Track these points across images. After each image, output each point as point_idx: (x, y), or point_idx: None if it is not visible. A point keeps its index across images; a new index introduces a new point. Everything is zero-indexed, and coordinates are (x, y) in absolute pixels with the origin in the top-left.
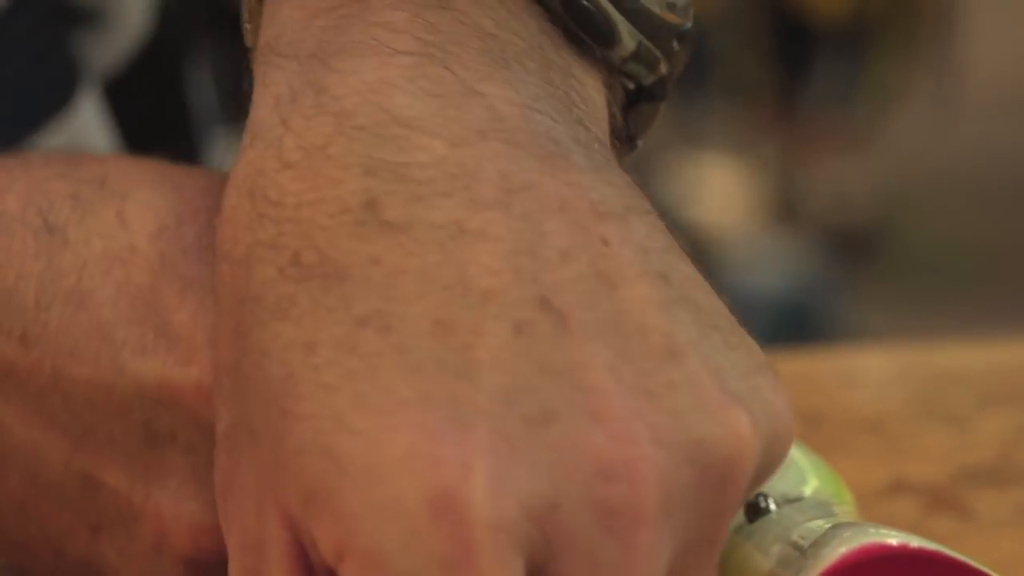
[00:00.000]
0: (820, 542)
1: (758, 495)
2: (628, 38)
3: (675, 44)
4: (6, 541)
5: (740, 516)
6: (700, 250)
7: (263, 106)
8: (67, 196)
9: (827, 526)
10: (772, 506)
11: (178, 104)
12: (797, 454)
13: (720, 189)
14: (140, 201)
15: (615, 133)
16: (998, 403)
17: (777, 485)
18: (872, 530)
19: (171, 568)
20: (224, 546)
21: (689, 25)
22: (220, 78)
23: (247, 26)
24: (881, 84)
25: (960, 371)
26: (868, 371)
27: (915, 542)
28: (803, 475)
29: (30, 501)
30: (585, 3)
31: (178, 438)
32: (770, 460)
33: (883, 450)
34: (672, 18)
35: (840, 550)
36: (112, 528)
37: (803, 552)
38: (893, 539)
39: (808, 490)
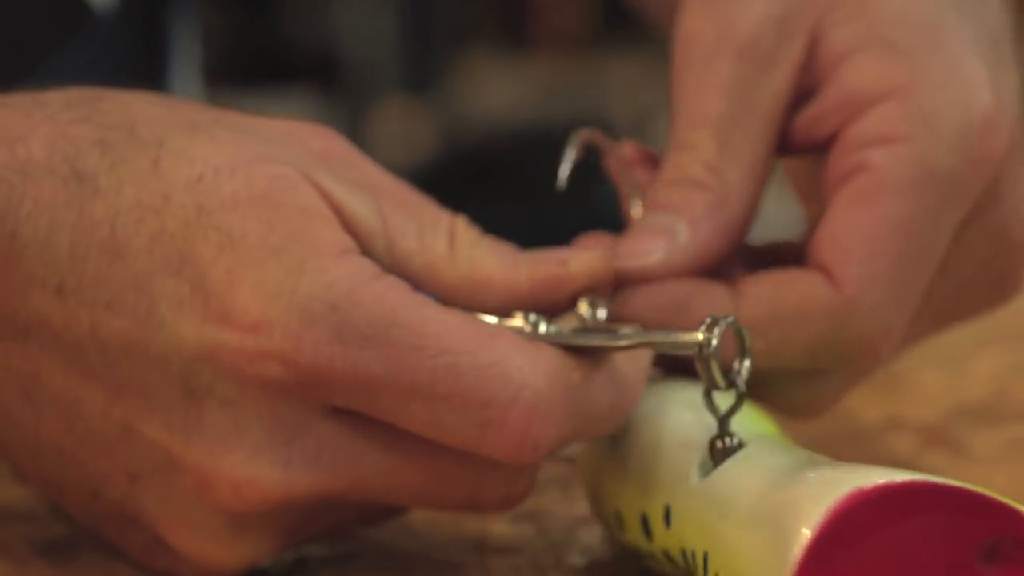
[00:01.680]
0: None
1: (727, 433)
2: None
3: None
4: (43, 480)
5: (698, 457)
6: None
7: None
8: (94, 142)
9: (827, 468)
10: (732, 442)
11: (159, 55)
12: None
13: None
14: (175, 150)
15: None
16: (992, 343)
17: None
18: (867, 471)
19: (213, 517)
20: (265, 498)
21: None
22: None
23: None
24: None
25: None
26: None
27: (899, 477)
28: (753, 418)
29: (68, 446)
30: None
31: (216, 392)
32: None
33: (879, 389)
34: None
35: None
36: (151, 476)
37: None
38: (880, 478)
39: (757, 428)
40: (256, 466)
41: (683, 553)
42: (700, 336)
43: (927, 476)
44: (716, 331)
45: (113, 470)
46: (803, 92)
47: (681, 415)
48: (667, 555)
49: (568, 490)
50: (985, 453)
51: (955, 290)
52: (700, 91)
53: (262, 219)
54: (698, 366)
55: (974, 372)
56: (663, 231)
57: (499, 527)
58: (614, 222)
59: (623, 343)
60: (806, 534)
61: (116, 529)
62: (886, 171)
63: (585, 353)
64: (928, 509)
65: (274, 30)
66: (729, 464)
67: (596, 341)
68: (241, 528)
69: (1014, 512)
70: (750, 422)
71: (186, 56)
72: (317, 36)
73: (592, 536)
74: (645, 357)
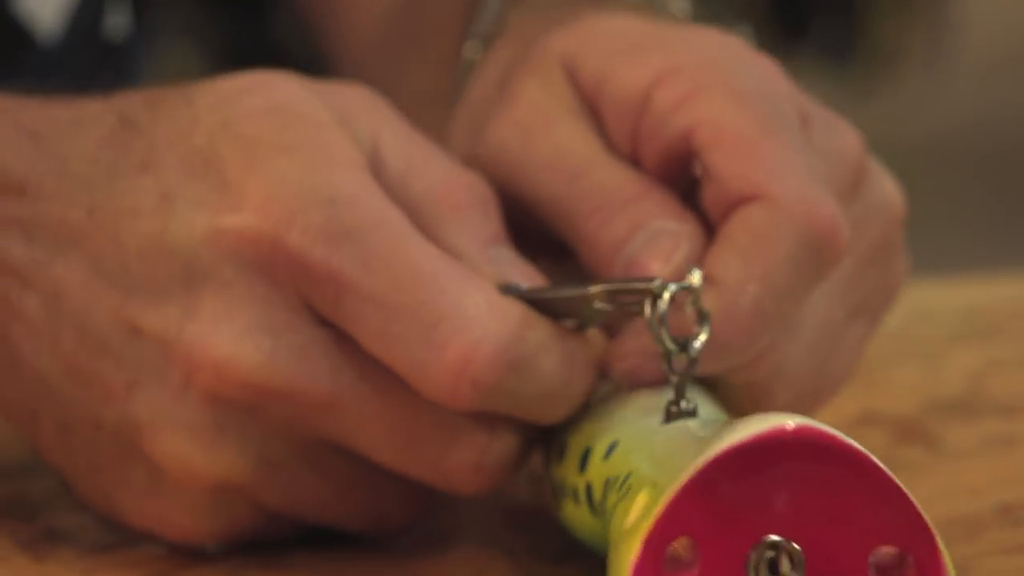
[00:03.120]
0: (729, 426)
1: (683, 396)
2: None
3: None
4: (53, 417)
5: (658, 416)
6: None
7: None
8: (144, 99)
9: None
10: (688, 407)
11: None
12: (705, 390)
13: None
14: (206, 86)
15: None
16: (968, 339)
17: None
18: (794, 416)
19: (195, 409)
20: (244, 382)
21: None
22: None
23: None
24: (876, 46)
25: (932, 308)
26: None
27: (844, 438)
28: (713, 404)
29: (78, 362)
30: None
31: (214, 276)
32: None
33: (855, 384)
34: None
35: (749, 430)
36: (146, 381)
37: (733, 424)
38: (813, 424)
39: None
40: (241, 347)
41: (606, 482)
42: (653, 284)
43: (868, 452)
44: (669, 286)
45: (116, 381)
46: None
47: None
48: (588, 488)
49: None
50: (960, 447)
51: (856, 269)
52: (584, 185)
53: (278, 124)
54: (648, 324)
55: (949, 367)
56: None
57: None
58: None
59: (579, 291)
60: (723, 446)
61: (115, 473)
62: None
63: (550, 311)
64: (843, 476)
65: (266, 36)
66: (687, 420)
67: (554, 293)
68: (221, 427)
69: (926, 529)
70: (708, 403)
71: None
72: (307, 41)
73: None
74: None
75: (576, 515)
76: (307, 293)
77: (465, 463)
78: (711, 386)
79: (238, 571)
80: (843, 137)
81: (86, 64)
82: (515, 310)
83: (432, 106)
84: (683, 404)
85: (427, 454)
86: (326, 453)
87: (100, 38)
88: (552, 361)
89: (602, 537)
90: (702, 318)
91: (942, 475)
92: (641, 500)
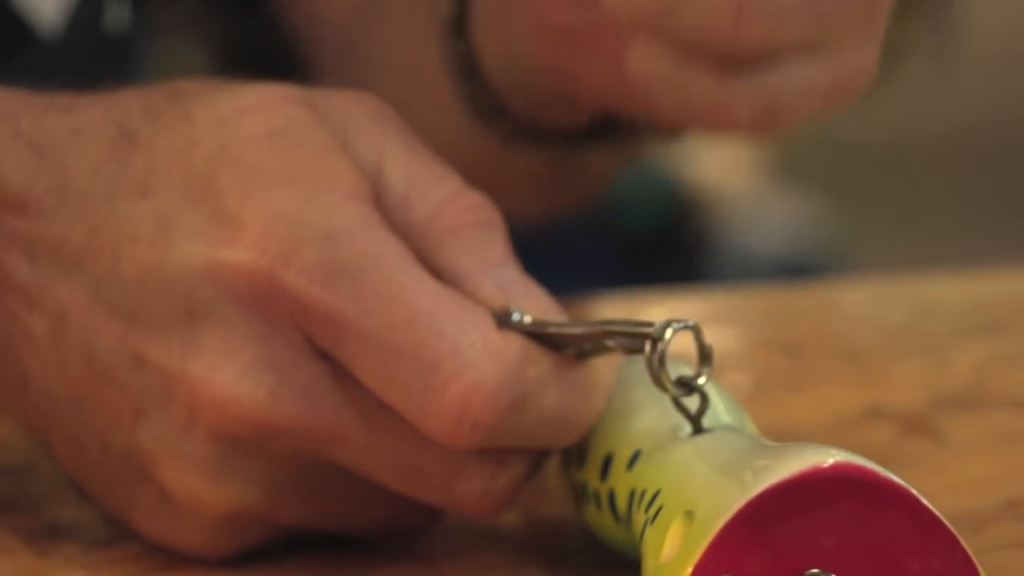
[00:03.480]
0: (774, 458)
1: (700, 431)
2: None
3: None
4: (63, 436)
5: (679, 420)
6: (701, 210)
7: None
8: (143, 107)
9: (776, 444)
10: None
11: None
12: (721, 394)
13: (719, 146)
14: (205, 101)
15: None
16: (974, 333)
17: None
18: (834, 450)
19: (200, 445)
20: (248, 419)
21: None
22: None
23: None
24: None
25: (937, 302)
26: (848, 303)
27: (882, 472)
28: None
29: (85, 387)
30: None
31: (216, 312)
32: None
33: (860, 379)
34: None
35: (793, 467)
36: (151, 411)
37: (753, 467)
38: (853, 460)
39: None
40: (242, 386)
41: (631, 493)
42: (653, 328)
43: (909, 486)
44: (669, 328)
45: (121, 407)
46: None
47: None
48: (610, 496)
49: None
50: (965, 441)
51: None
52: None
53: (277, 152)
54: (647, 367)
55: (954, 362)
56: None
57: None
58: None
59: (580, 330)
60: (769, 483)
61: (126, 491)
62: None
63: (551, 344)
64: (884, 510)
65: (269, 33)
66: (711, 433)
67: (555, 328)
68: (227, 461)
69: (969, 563)
70: (727, 417)
71: (142, 78)
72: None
73: None
74: (612, 368)
75: (599, 519)
76: (307, 329)
77: (473, 493)
78: None
79: (240, 565)
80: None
81: (87, 58)
82: (513, 347)
83: (412, 73)
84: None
85: (435, 484)
86: (337, 475)
87: (101, 32)
88: (554, 395)
89: (626, 542)
90: (704, 356)
91: (948, 469)
92: (676, 531)
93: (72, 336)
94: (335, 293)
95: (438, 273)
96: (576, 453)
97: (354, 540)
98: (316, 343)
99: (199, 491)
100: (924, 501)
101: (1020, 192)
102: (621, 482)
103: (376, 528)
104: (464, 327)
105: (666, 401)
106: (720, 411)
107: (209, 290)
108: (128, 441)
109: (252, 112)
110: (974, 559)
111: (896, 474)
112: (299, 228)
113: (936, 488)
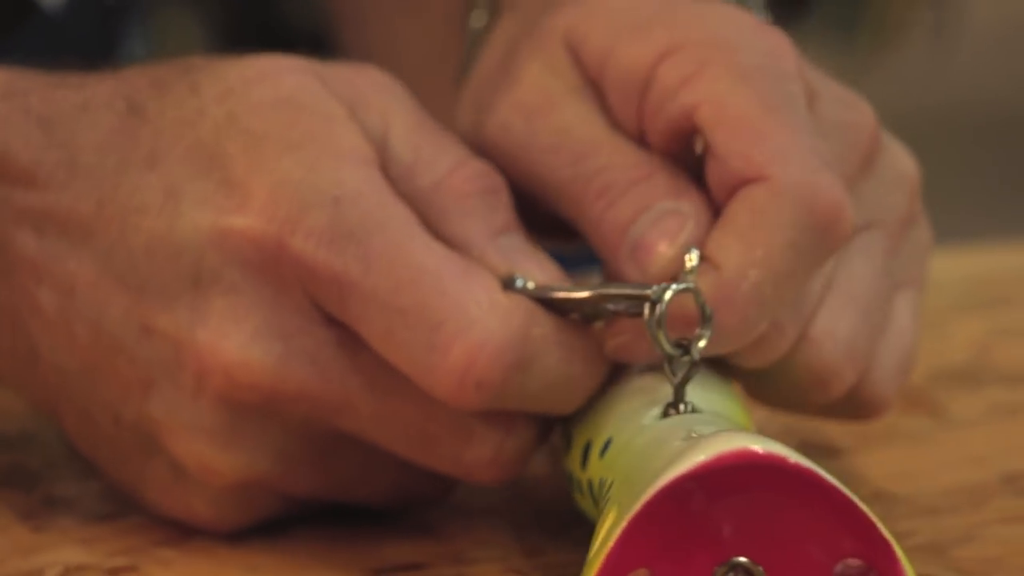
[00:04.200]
0: (704, 439)
1: (682, 400)
2: None
3: None
4: (74, 409)
5: (657, 411)
6: None
7: None
8: (151, 82)
9: (717, 429)
10: (686, 410)
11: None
12: (721, 382)
13: None
14: (211, 73)
15: None
16: (974, 308)
17: (700, 397)
18: (748, 438)
19: (210, 413)
20: (256, 385)
21: None
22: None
23: None
24: (880, 17)
25: (937, 278)
26: None
27: (791, 457)
28: (723, 398)
29: (94, 358)
30: None
31: (222, 278)
32: None
33: None
34: None
35: (712, 451)
36: (160, 381)
37: (688, 445)
38: (759, 447)
39: (723, 410)
40: (250, 351)
41: (600, 483)
42: (651, 290)
43: (817, 468)
44: (668, 291)
45: (131, 379)
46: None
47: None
48: (590, 485)
49: None
50: (965, 416)
51: (891, 240)
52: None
53: (284, 120)
54: (647, 327)
55: (955, 337)
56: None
57: None
58: None
59: (582, 294)
60: (674, 475)
61: (137, 463)
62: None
63: (554, 310)
64: (799, 495)
65: (268, 8)
66: (673, 418)
67: (558, 293)
68: (237, 428)
69: (883, 541)
70: (718, 398)
71: (141, 50)
72: (310, 14)
73: None
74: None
75: (585, 506)
76: (314, 294)
77: (483, 459)
78: (762, 373)
79: (241, 539)
80: (855, 112)
81: (88, 33)
82: (519, 307)
83: (431, 65)
84: (681, 408)
85: (444, 451)
86: (346, 443)
87: (101, 6)
88: (557, 357)
89: None
90: (705, 318)
91: (947, 444)
92: (606, 524)
93: (81, 308)
94: (341, 255)
95: (444, 241)
96: (564, 439)
97: (363, 514)
98: (324, 308)
99: (209, 460)
100: (838, 486)
101: (1019, 166)
102: (596, 471)
103: (386, 499)
104: (469, 286)
105: (647, 385)
106: (707, 387)
107: (216, 257)
108: (138, 413)
109: (259, 81)
110: (892, 541)
111: (895, 450)
112: (306, 192)
113: (935, 463)
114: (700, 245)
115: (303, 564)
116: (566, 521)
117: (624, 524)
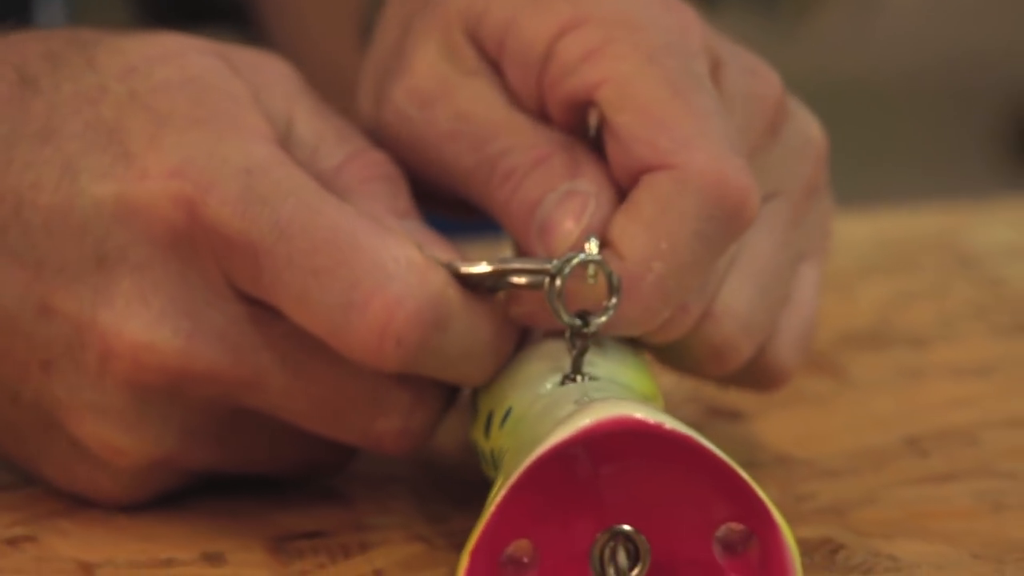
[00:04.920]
0: (586, 407)
1: (579, 371)
2: None
3: None
4: None
5: (557, 378)
6: None
7: None
8: (42, 54)
9: (601, 396)
10: (584, 379)
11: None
12: (628, 350)
13: None
14: (109, 48)
15: None
16: (880, 271)
17: (601, 366)
18: (631, 405)
19: (114, 394)
20: (163, 366)
21: None
22: None
23: None
24: None
25: (843, 240)
26: None
27: (668, 423)
28: (627, 368)
29: None
30: None
31: (129, 257)
32: None
33: None
34: None
35: (592, 417)
36: (61, 362)
37: (571, 412)
38: (640, 414)
39: (624, 378)
40: (157, 332)
41: (500, 452)
42: (550, 264)
43: (696, 434)
44: (569, 262)
45: (29, 359)
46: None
47: (558, 341)
48: (492, 455)
49: None
50: (868, 379)
51: (793, 211)
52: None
53: (190, 98)
54: (546, 297)
55: (860, 299)
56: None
57: None
58: None
59: (485, 268)
60: (548, 445)
61: (37, 442)
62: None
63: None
64: (678, 461)
65: None
66: (568, 386)
67: (461, 267)
68: (142, 409)
69: (762, 506)
70: (621, 368)
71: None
72: None
73: None
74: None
75: (492, 476)
76: (227, 266)
77: (392, 429)
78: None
79: (145, 508)
80: (760, 80)
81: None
82: (436, 267)
83: (340, 52)
84: (578, 378)
85: (354, 423)
86: (252, 419)
87: None
88: (474, 320)
89: None
90: (612, 288)
91: (850, 406)
92: (491, 495)
93: None
94: (256, 222)
95: None
96: (471, 409)
97: (263, 482)
98: (236, 280)
99: (113, 441)
100: (717, 452)
101: (938, 131)
102: (496, 440)
103: (292, 470)
104: (385, 243)
105: (551, 351)
106: (612, 355)
107: (123, 234)
108: (37, 393)
109: (164, 60)
110: (770, 505)
111: (799, 412)
112: (217, 163)
113: (838, 425)
114: (605, 225)
115: (203, 533)
116: (470, 489)
117: (504, 492)
